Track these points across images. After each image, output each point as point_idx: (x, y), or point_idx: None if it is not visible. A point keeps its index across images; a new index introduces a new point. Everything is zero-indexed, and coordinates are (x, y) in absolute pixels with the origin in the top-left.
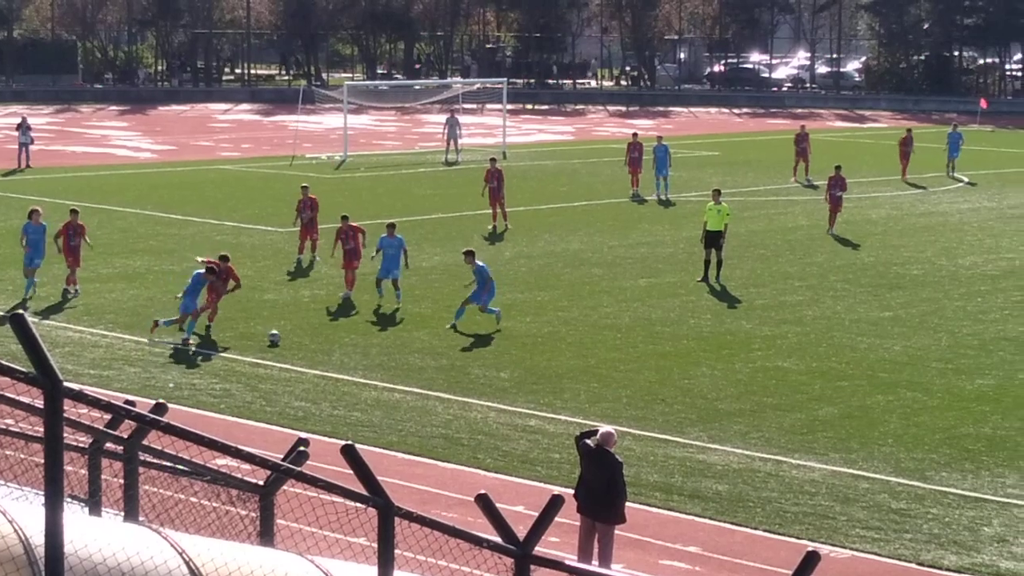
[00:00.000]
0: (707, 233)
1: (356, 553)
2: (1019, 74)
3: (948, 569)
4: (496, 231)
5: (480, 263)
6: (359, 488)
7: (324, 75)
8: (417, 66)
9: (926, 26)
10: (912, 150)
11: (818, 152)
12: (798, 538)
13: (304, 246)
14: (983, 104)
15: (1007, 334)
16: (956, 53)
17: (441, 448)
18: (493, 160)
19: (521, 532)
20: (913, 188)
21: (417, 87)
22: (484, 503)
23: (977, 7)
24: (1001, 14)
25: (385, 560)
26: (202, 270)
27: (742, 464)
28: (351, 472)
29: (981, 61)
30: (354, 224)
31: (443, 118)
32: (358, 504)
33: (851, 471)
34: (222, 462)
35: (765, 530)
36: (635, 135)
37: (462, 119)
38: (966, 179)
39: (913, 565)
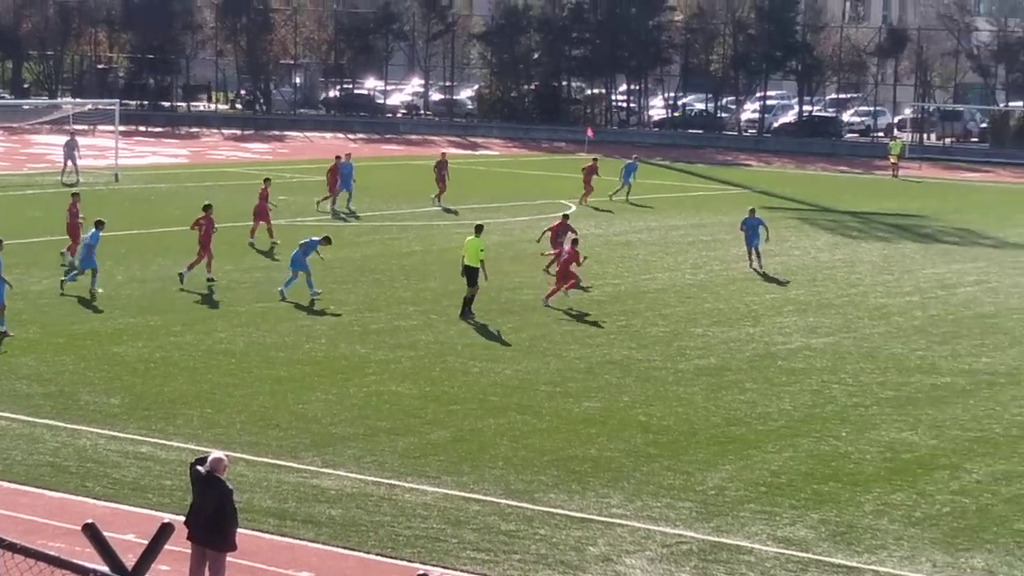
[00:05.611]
0: (465, 267)
1: None
2: (624, 105)
3: None
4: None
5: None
6: None
7: None
8: (26, 86)
9: (536, 56)
10: (596, 176)
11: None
12: (410, 561)
13: None
14: (590, 133)
15: (612, 357)
16: (564, 83)
17: (48, 476)
18: (267, 180)
19: (131, 561)
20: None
21: (26, 107)
22: (91, 532)
23: (584, 40)
24: (607, 47)
25: None
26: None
27: (356, 488)
28: None
29: (588, 92)
30: None
31: (54, 139)
32: None
33: (462, 494)
34: None
35: (378, 554)
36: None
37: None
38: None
39: None
